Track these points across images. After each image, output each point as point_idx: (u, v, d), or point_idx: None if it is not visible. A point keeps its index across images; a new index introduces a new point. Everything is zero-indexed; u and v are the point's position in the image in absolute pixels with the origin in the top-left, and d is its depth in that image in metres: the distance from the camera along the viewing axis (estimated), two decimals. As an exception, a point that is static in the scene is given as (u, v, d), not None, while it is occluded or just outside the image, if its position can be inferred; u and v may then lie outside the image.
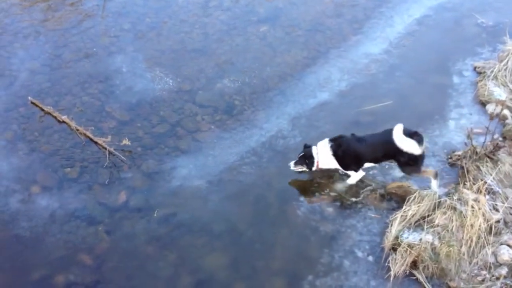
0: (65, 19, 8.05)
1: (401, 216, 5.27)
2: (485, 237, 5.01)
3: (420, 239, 5.02)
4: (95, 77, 7.10)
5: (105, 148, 6.07)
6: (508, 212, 5.25)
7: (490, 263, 4.91)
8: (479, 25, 7.98)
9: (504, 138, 6.07)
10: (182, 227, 5.44)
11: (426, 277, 4.91)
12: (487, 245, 4.98)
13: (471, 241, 5.00)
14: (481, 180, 5.39)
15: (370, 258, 5.15)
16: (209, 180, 5.88)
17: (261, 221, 5.52)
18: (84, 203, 5.62)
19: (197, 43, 7.71)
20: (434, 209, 5.30)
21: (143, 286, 5.00)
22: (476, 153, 5.72)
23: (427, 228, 5.13)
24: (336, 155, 5.51)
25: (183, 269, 5.10)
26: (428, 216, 5.25)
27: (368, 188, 5.74)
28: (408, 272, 4.97)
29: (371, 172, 5.84)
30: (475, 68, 7.19)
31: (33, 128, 6.38)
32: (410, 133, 5.20)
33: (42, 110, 6.57)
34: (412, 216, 5.26)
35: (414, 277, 4.94)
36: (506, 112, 6.30)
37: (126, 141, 6.10)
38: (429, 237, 5.05)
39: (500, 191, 5.37)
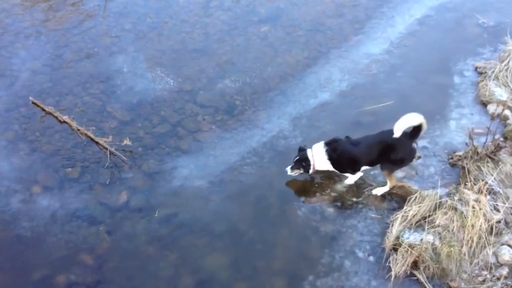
0: (66, 19, 8.06)
1: (402, 216, 5.27)
2: (486, 238, 5.01)
3: (421, 240, 5.02)
4: (96, 77, 7.11)
5: (106, 148, 6.08)
6: (509, 213, 5.24)
7: (491, 263, 4.90)
8: (480, 25, 7.97)
9: (505, 138, 6.06)
10: (183, 227, 5.44)
11: (427, 278, 4.91)
12: (488, 245, 4.98)
13: (472, 241, 5.00)
14: (482, 180, 5.39)
15: (371, 258, 5.15)
16: (210, 180, 5.88)
17: (262, 221, 5.52)
18: (85, 203, 5.63)
19: (198, 43, 7.72)
20: (435, 209, 5.29)
21: (144, 286, 5.00)
22: (477, 153, 5.72)
23: (428, 229, 5.13)
24: (331, 159, 5.50)
25: (184, 269, 5.11)
26: (429, 216, 5.25)
27: (369, 188, 5.75)
28: (409, 272, 4.97)
29: (372, 173, 5.84)
30: (476, 68, 7.18)
31: (34, 128, 6.39)
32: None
33: (43, 110, 6.58)
34: (413, 216, 5.26)
35: (415, 278, 4.94)
36: (507, 112, 6.28)
37: (127, 141, 6.10)
38: (430, 238, 5.05)
39: (501, 192, 5.36)
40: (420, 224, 5.23)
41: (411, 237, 5.10)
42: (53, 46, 7.57)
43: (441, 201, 5.33)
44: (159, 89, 6.97)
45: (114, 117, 6.59)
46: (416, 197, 5.38)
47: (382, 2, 8.51)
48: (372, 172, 5.84)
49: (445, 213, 5.20)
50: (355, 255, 5.18)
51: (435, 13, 8.32)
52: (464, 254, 4.95)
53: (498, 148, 5.69)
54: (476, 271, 4.90)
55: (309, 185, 5.85)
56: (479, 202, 5.15)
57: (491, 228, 5.08)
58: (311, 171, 5.62)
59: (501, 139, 5.98)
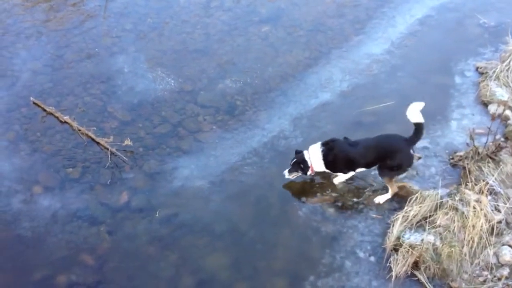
0: (67, 19, 8.06)
1: (403, 216, 5.26)
2: (486, 238, 5.00)
3: (422, 240, 5.02)
4: (97, 78, 7.11)
5: (107, 149, 6.08)
6: (510, 213, 5.24)
7: (491, 263, 4.90)
8: (481, 26, 7.97)
9: (506, 138, 6.05)
10: (183, 227, 5.44)
11: (428, 278, 4.90)
12: (489, 245, 4.97)
13: (473, 241, 4.99)
14: (483, 180, 5.38)
15: (372, 258, 5.15)
16: (211, 180, 5.88)
17: (263, 221, 5.52)
18: (86, 203, 5.63)
19: (199, 44, 7.72)
20: (435, 210, 5.29)
21: (145, 286, 5.00)
22: (478, 153, 5.71)
23: (428, 229, 5.12)
24: (326, 158, 5.47)
25: (184, 269, 5.11)
26: (430, 216, 5.24)
27: (369, 188, 5.75)
28: (409, 272, 4.96)
29: (372, 173, 5.83)
30: (477, 68, 7.18)
31: (35, 129, 6.39)
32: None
33: (44, 110, 6.58)
34: (414, 217, 5.25)
35: (416, 278, 4.94)
36: (508, 112, 6.29)
37: (128, 142, 6.10)
38: (430, 238, 5.05)
39: (502, 192, 5.36)
40: (421, 224, 5.23)
41: (412, 238, 5.10)
42: (54, 46, 7.58)
43: (442, 202, 5.32)
44: (160, 89, 6.97)
45: (115, 117, 6.59)
46: (417, 197, 5.38)
47: (383, 2, 8.51)
48: (372, 173, 5.83)
49: (446, 214, 5.19)
50: (356, 256, 5.18)
51: (436, 13, 8.31)
52: (465, 255, 4.95)
53: (499, 148, 5.69)
54: (477, 272, 4.89)
55: (309, 186, 5.85)
56: (480, 202, 5.14)
57: (492, 229, 5.07)
58: (309, 173, 5.61)
59: (502, 139, 5.98)
